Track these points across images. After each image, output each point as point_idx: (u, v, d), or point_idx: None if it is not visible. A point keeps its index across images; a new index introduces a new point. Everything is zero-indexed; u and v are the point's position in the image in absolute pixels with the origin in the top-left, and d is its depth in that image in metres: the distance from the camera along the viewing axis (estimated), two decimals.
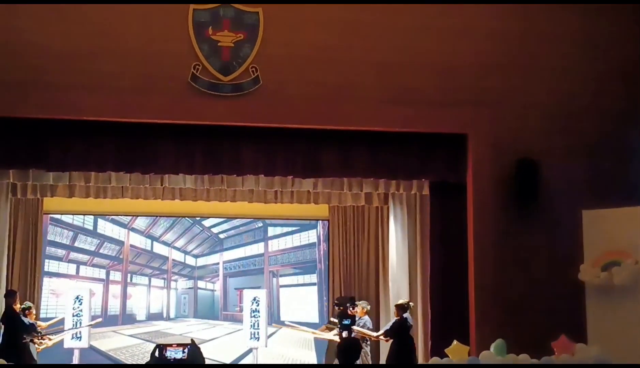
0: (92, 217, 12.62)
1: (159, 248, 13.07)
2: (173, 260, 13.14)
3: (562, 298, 8.87)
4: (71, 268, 12.59)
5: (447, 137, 9.48)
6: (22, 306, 10.08)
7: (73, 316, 11.09)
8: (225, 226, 13.10)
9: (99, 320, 11.88)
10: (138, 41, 8.95)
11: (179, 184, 10.68)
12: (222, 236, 13.20)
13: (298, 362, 12.12)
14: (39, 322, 10.25)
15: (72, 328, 10.98)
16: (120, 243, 12.79)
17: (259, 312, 11.53)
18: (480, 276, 9.15)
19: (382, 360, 10.80)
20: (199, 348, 9.33)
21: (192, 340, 9.67)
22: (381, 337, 10.39)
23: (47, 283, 12.02)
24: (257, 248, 13.19)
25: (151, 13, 9.00)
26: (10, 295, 9.86)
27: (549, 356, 6.73)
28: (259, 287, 12.50)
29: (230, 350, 12.29)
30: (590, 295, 8.54)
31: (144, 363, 10.88)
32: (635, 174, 9.42)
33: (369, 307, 10.82)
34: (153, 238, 13.01)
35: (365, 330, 10.33)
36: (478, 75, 9.40)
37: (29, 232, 11.51)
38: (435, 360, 6.96)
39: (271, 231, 13.19)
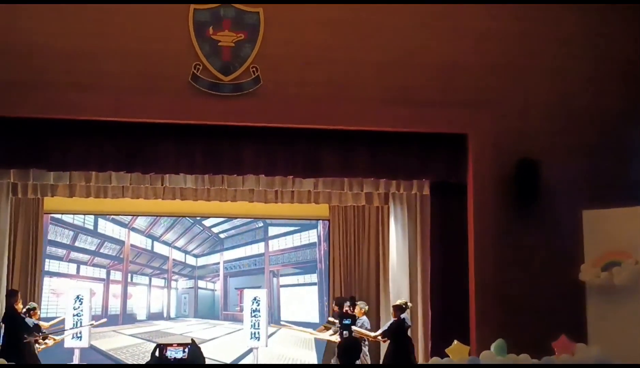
0: (92, 216, 12.63)
1: (160, 248, 13.08)
2: (173, 259, 13.15)
3: (563, 298, 8.87)
4: (71, 268, 12.61)
5: (447, 137, 9.48)
6: (27, 307, 10.11)
7: (73, 316, 11.09)
8: (225, 226, 13.11)
9: (104, 320, 11.90)
10: (138, 41, 8.95)
11: (179, 183, 10.68)
12: (222, 236, 13.21)
13: (299, 362, 12.12)
14: (41, 322, 10.25)
15: (75, 328, 10.98)
16: (120, 243, 12.80)
17: (259, 311, 11.53)
18: (480, 276, 9.16)
19: (383, 360, 10.81)
20: (199, 348, 9.33)
21: (192, 339, 9.67)
22: (379, 338, 10.39)
23: (48, 283, 12.03)
24: (258, 248, 13.20)
25: (151, 13, 9.00)
26: (11, 295, 9.86)
27: (550, 356, 6.73)
28: (259, 287, 12.51)
29: (230, 350, 12.30)
30: (591, 295, 8.55)
31: (144, 363, 10.88)
32: (635, 174, 9.42)
33: (366, 308, 10.82)
34: (153, 238, 13.02)
35: (363, 331, 10.32)
36: (478, 75, 9.41)
37: (29, 231, 11.51)
38: (435, 360, 6.96)
39: (272, 231, 13.20)
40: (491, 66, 9.45)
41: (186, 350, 9.14)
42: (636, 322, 8.13)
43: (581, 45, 9.63)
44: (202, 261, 13.18)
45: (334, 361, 10.88)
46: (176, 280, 13.10)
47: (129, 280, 12.83)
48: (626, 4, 9.70)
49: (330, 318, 11.26)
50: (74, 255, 12.58)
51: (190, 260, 13.18)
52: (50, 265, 12.20)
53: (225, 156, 9.35)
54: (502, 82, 9.47)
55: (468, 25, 9.44)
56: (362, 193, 11.47)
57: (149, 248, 13.04)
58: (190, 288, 13.15)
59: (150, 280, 13.06)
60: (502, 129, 9.33)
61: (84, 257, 12.66)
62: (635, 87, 9.58)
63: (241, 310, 12.19)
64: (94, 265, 12.73)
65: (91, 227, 12.73)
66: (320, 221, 12.71)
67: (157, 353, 9.15)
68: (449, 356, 6.85)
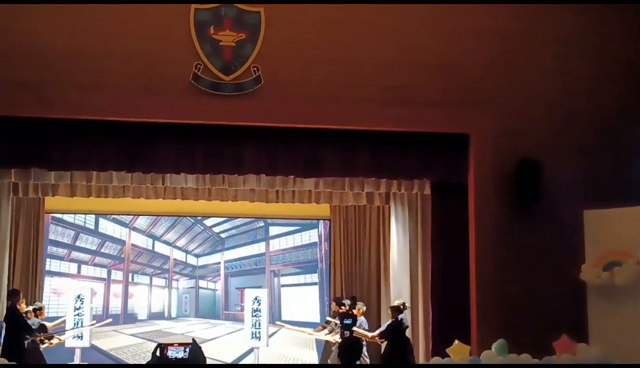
0: (93, 216, 12.65)
1: (161, 248, 13.10)
2: (174, 259, 13.16)
3: (564, 298, 8.86)
4: (72, 268, 12.62)
5: (448, 137, 9.47)
6: (33, 306, 10.16)
7: (74, 315, 11.10)
8: (226, 225, 13.13)
9: (109, 320, 11.92)
10: (140, 41, 8.94)
11: (180, 183, 10.69)
12: (223, 235, 13.22)
13: (300, 362, 12.13)
14: (45, 322, 10.27)
15: (80, 328, 11.00)
16: (121, 242, 12.82)
17: (260, 311, 11.54)
18: (481, 276, 9.15)
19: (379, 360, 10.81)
20: (200, 347, 9.34)
21: (193, 339, 9.69)
22: (376, 338, 10.40)
23: (49, 283, 12.05)
24: (259, 248, 13.22)
25: (152, 13, 8.99)
26: (13, 294, 9.86)
27: (550, 356, 6.74)
28: (260, 287, 12.52)
29: (231, 350, 12.31)
30: (592, 295, 8.55)
31: (145, 362, 10.89)
32: (636, 174, 9.41)
33: (364, 308, 10.83)
34: (154, 238, 13.04)
35: (361, 331, 10.33)
36: (480, 76, 9.40)
37: (30, 231, 11.52)
38: (436, 359, 6.97)
39: (272, 230, 13.22)
40: (492, 66, 9.44)
41: (187, 349, 9.15)
42: (637, 321, 8.13)
43: (581, 45, 9.62)
44: (203, 261, 13.20)
45: (330, 361, 10.90)
46: (177, 280, 13.12)
47: (130, 279, 12.85)
48: (626, 4, 9.69)
49: (328, 318, 11.28)
50: (74, 254, 12.60)
51: (191, 260, 13.19)
52: (51, 264, 12.22)
53: (226, 156, 9.35)
54: (503, 82, 9.46)
55: (470, 25, 9.43)
56: (363, 193, 11.48)
57: (150, 248, 13.06)
58: (191, 288, 13.16)
59: (151, 279, 13.08)
60: (502, 129, 9.33)
61: (85, 256, 12.68)
62: (636, 87, 9.58)
63: (242, 310, 12.21)
64: (95, 265, 12.75)
65: (92, 227, 12.75)
66: (321, 221, 12.73)
67: (158, 353, 9.16)
68: (449, 356, 6.86)
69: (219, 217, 12.85)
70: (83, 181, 10.30)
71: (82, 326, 11.05)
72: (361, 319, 10.64)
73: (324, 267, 12.68)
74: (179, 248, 13.10)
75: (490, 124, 9.33)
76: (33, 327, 9.89)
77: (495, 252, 9.14)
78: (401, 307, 10.23)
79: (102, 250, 12.77)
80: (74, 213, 12.43)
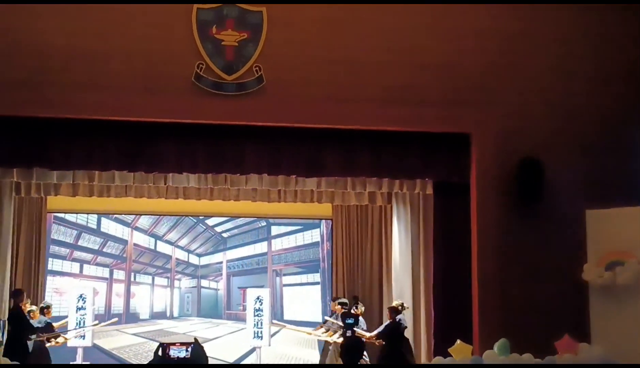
0: (95, 215, 12.65)
1: (163, 247, 13.10)
2: (176, 259, 13.16)
3: (566, 297, 8.86)
4: (75, 267, 12.62)
5: (450, 136, 9.48)
6: (41, 305, 10.21)
7: (76, 315, 11.11)
8: (228, 225, 13.12)
9: (115, 320, 11.92)
10: (142, 40, 8.95)
11: (182, 183, 10.70)
12: (225, 235, 13.22)
13: (302, 362, 12.12)
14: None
15: (85, 327, 11.00)
16: (123, 242, 12.82)
17: (262, 311, 11.54)
18: (483, 275, 9.15)
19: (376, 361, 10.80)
20: (202, 347, 9.35)
21: (195, 339, 9.69)
22: (373, 339, 10.39)
23: (51, 282, 12.05)
24: (261, 247, 13.21)
25: (154, 12, 9.00)
26: (17, 294, 9.89)
27: (552, 356, 6.74)
28: (262, 286, 12.52)
29: (233, 349, 12.31)
30: (594, 294, 8.54)
31: (147, 362, 10.90)
32: (638, 173, 9.40)
33: (362, 309, 10.81)
34: (157, 237, 13.04)
35: (359, 330, 10.32)
36: (481, 75, 9.40)
37: (32, 230, 11.53)
38: (438, 359, 6.98)
39: (274, 230, 13.21)
40: (493, 66, 9.44)
41: (189, 349, 9.16)
42: (639, 321, 8.12)
43: (582, 44, 9.62)
44: (205, 260, 13.19)
45: (328, 361, 10.91)
46: (179, 279, 13.12)
47: (132, 279, 12.85)
48: (626, 4, 9.69)
49: (326, 317, 11.29)
50: (77, 254, 12.60)
51: (193, 259, 13.19)
52: (53, 264, 12.22)
53: (228, 155, 9.36)
54: (505, 82, 9.46)
55: (471, 25, 9.43)
56: (365, 193, 11.48)
57: (152, 247, 13.06)
58: (193, 287, 13.16)
59: (153, 279, 13.08)
60: (504, 129, 9.33)
61: (87, 256, 12.68)
62: (637, 87, 9.57)
63: (244, 309, 12.20)
64: (97, 264, 12.75)
65: (94, 226, 12.75)
66: (323, 220, 12.72)
67: (160, 353, 9.17)
68: (451, 355, 6.86)
69: (221, 216, 12.85)
70: (85, 181, 10.31)
71: (84, 325, 11.04)
72: (359, 319, 10.63)
73: (326, 267, 12.68)
74: (181, 248, 13.10)
75: (492, 124, 9.33)
76: (40, 325, 9.94)
77: (497, 251, 9.14)
78: (399, 308, 10.23)
79: (104, 250, 12.77)
80: (76, 213, 12.43)
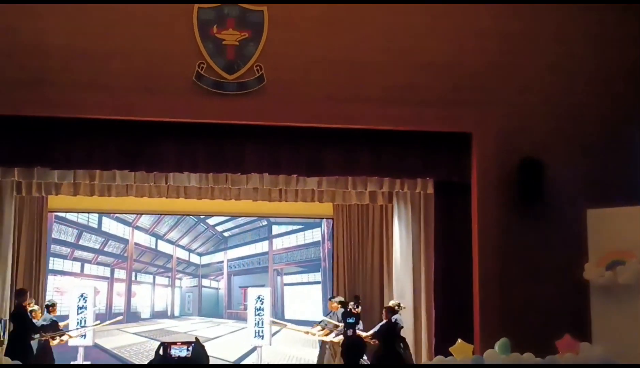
0: (96, 215, 12.65)
1: (164, 247, 13.09)
2: (177, 258, 13.16)
3: (567, 297, 8.86)
4: (76, 266, 12.62)
5: (451, 136, 9.48)
6: (46, 303, 10.24)
7: (77, 314, 11.11)
8: (229, 224, 13.12)
9: (120, 318, 11.93)
10: (142, 40, 8.95)
11: (183, 182, 10.71)
12: (226, 234, 13.22)
13: (303, 361, 12.12)
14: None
15: (89, 326, 11.00)
16: (124, 241, 12.82)
17: (263, 310, 11.55)
18: (484, 275, 9.15)
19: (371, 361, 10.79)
20: (203, 346, 9.36)
21: (196, 338, 9.70)
22: (368, 338, 10.38)
23: (52, 281, 12.05)
24: (262, 247, 13.21)
25: (155, 12, 9.00)
26: (20, 294, 9.90)
27: (553, 355, 6.74)
28: (263, 286, 12.51)
29: (234, 349, 12.31)
30: (595, 294, 8.53)
31: (148, 361, 10.90)
32: (639, 173, 9.40)
33: (359, 309, 10.79)
34: (157, 237, 13.04)
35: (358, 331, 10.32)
36: (482, 75, 9.40)
37: (33, 230, 11.53)
38: (439, 358, 6.97)
39: (275, 229, 13.20)
40: (493, 65, 9.45)
41: (190, 348, 9.17)
42: None
43: (582, 44, 9.63)
44: (206, 259, 13.19)
45: (326, 360, 10.91)
46: (180, 279, 13.11)
47: (133, 278, 12.85)
48: (626, 4, 9.69)
49: (323, 317, 11.29)
50: (78, 253, 12.60)
51: (194, 259, 13.19)
52: (54, 263, 12.22)
53: (229, 155, 9.36)
54: (507, 82, 9.46)
55: (472, 25, 9.44)
56: (366, 192, 11.48)
57: (153, 246, 13.06)
58: (194, 286, 13.16)
59: (154, 278, 13.07)
60: (506, 128, 9.33)
61: (88, 255, 12.68)
62: (637, 87, 9.57)
63: (245, 309, 12.20)
64: (98, 264, 12.75)
65: (95, 226, 12.75)
66: (324, 220, 12.72)
67: (161, 352, 9.19)
68: (452, 355, 6.86)
69: (222, 215, 12.85)
70: (86, 180, 10.31)
71: (85, 325, 11.05)
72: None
73: (327, 266, 12.67)
74: (182, 247, 13.10)
75: (492, 124, 9.33)
76: (45, 322, 9.96)
77: (498, 250, 9.14)
78: (396, 308, 10.24)
79: (105, 249, 12.77)
80: (77, 212, 12.43)
